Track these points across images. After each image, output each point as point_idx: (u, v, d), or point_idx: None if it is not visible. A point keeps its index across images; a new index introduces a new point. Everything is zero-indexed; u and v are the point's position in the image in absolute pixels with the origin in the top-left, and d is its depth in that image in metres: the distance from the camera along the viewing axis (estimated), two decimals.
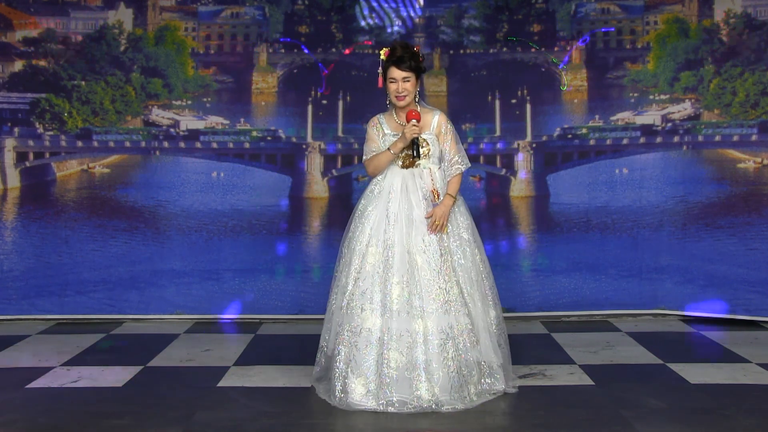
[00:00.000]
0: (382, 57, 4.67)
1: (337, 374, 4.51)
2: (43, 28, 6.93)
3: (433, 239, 4.58)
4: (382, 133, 4.74)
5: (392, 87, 4.63)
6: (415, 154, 4.62)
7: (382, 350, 4.44)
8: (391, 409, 4.38)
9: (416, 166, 4.69)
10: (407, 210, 4.61)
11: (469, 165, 4.80)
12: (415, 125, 4.56)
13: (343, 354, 4.50)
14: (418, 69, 4.64)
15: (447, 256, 4.61)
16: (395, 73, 4.60)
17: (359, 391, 4.43)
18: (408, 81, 4.61)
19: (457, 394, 4.44)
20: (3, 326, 6.57)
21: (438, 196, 4.67)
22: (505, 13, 7.01)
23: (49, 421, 4.31)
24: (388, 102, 4.76)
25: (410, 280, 4.50)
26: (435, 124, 4.73)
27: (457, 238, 4.68)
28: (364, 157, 4.83)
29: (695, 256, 6.73)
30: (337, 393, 4.48)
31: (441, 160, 4.75)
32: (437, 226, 4.58)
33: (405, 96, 4.63)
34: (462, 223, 4.73)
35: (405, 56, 4.59)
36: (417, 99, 4.73)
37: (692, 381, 4.94)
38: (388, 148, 4.66)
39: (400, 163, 4.70)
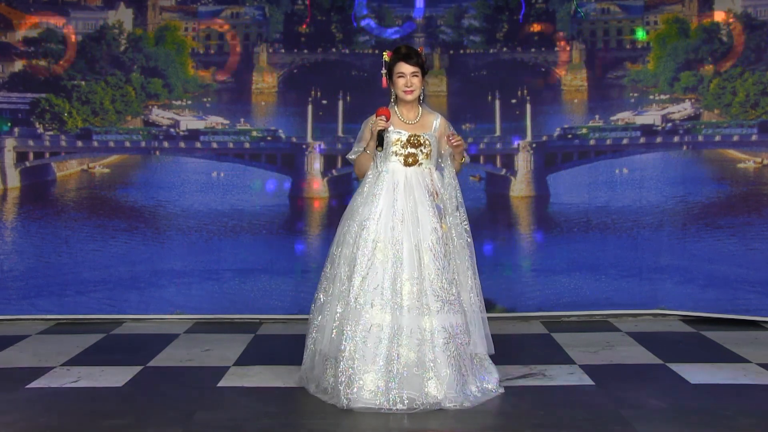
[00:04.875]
0: (386, 58, 4.72)
1: (341, 371, 4.44)
2: (43, 28, 6.93)
3: (438, 238, 4.59)
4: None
5: (400, 81, 4.67)
6: (378, 143, 4.63)
7: (392, 347, 4.43)
8: (400, 406, 4.35)
9: (418, 165, 4.70)
10: (413, 207, 4.62)
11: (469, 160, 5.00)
12: (381, 120, 4.60)
13: (348, 350, 4.45)
14: (424, 66, 4.72)
15: (450, 255, 4.63)
16: (404, 67, 4.66)
17: (368, 388, 4.39)
18: (416, 76, 4.68)
19: (462, 392, 4.45)
20: (3, 326, 6.57)
21: (438, 196, 4.68)
22: (505, 13, 7.01)
23: (49, 421, 4.30)
24: (392, 99, 4.78)
25: (419, 277, 4.52)
26: (437, 126, 4.77)
27: (461, 229, 4.71)
28: (348, 155, 4.86)
29: (695, 256, 6.72)
30: (342, 390, 4.42)
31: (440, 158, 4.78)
32: (459, 141, 4.71)
33: (413, 90, 4.68)
34: (462, 214, 4.76)
35: (412, 53, 4.69)
36: (422, 99, 4.79)
37: (692, 381, 4.94)
38: (365, 149, 4.73)
39: (402, 161, 4.70)
